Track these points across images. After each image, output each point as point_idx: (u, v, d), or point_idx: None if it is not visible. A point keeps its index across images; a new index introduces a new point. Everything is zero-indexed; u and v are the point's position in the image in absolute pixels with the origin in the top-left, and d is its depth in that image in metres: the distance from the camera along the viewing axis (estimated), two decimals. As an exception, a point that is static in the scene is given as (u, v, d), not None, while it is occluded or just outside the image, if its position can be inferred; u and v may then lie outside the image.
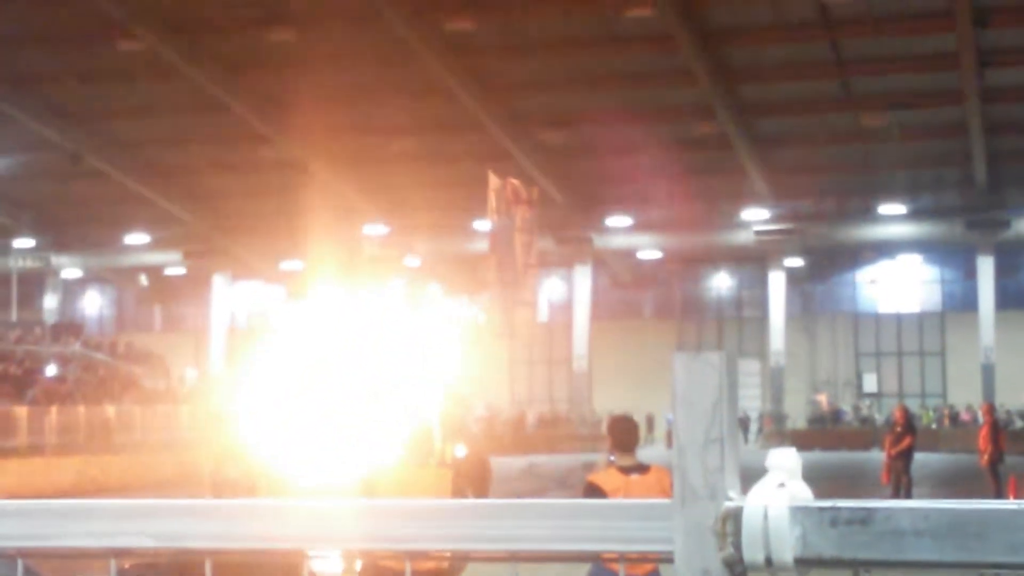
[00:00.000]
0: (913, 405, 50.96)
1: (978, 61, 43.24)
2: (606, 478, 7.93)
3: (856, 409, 58.82)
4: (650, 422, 54.80)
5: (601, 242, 58.24)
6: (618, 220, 57.53)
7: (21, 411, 35.48)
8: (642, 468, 7.92)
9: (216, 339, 64.33)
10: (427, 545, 1.54)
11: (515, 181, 38.86)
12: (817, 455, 44.99)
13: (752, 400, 59.09)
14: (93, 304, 71.59)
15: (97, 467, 34.66)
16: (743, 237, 57.14)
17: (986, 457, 23.75)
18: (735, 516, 1.35)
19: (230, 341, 63.50)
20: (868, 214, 55.88)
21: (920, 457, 26.35)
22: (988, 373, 54.15)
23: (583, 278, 60.79)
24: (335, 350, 13.62)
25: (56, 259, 63.69)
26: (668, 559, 1.39)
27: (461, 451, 14.63)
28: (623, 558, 1.50)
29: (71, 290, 69.37)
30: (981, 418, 30.26)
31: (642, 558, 1.51)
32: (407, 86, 47.37)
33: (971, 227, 53.95)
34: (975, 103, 45.88)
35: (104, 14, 43.19)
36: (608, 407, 50.32)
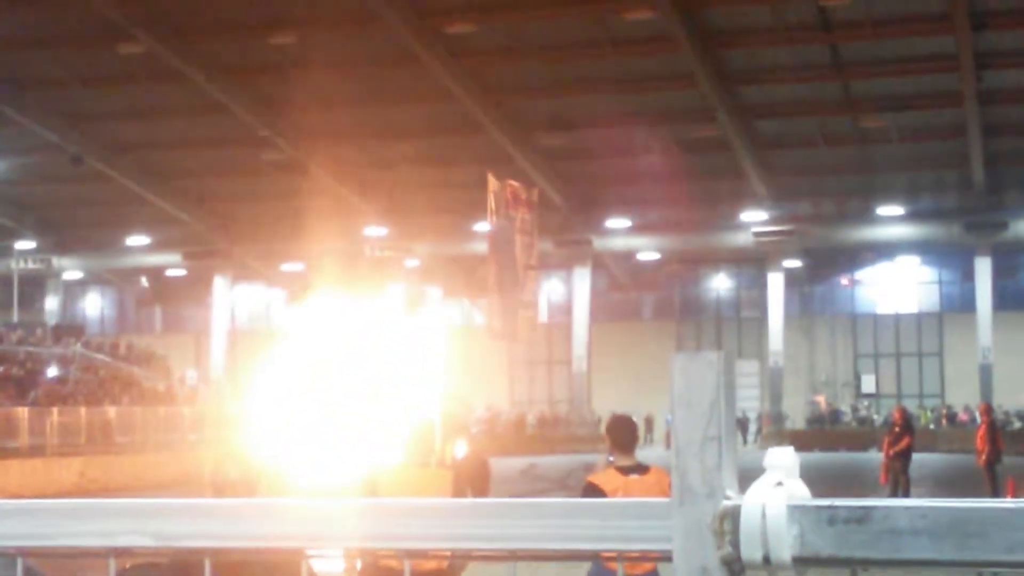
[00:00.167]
0: (911, 405, 50.97)
1: (976, 63, 43.24)
2: (605, 478, 7.92)
3: (854, 410, 58.83)
4: (649, 423, 54.81)
5: (600, 244, 58.24)
6: (617, 222, 57.53)
7: (22, 412, 35.48)
8: (641, 469, 7.91)
9: (217, 340, 64.34)
10: (427, 544, 1.55)
11: (515, 183, 38.84)
12: (816, 456, 45.00)
13: (751, 401, 59.10)
14: (94, 305, 71.62)
15: (98, 468, 34.68)
16: (742, 239, 57.15)
17: (983, 457, 23.76)
18: (733, 515, 1.35)
19: (231, 342, 63.55)
20: (867, 215, 55.87)
21: (918, 457, 26.33)
22: (986, 374, 54.15)
23: (582, 280, 60.80)
24: (335, 351, 13.63)
25: (57, 261, 63.70)
26: (667, 558, 1.39)
27: (461, 451, 14.60)
28: (622, 557, 1.50)
29: (72, 291, 69.41)
30: (979, 418, 30.26)
31: (641, 557, 1.51)
32: (408, 89, 47.38)
33: (969, 228, 53.96)
34: (973, 105, 45.88)
35: (105, 17, 43.20)
36: (607, 408, 50.14)
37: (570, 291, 62.22)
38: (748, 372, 59.60)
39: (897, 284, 61.81)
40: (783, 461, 1.39)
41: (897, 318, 61.67)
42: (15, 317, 54.92)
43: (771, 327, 58.58)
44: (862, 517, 1.32)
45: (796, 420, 57.98)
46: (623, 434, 8.11)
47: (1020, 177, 52.96)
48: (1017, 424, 51.44)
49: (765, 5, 42.19)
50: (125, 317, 71.26)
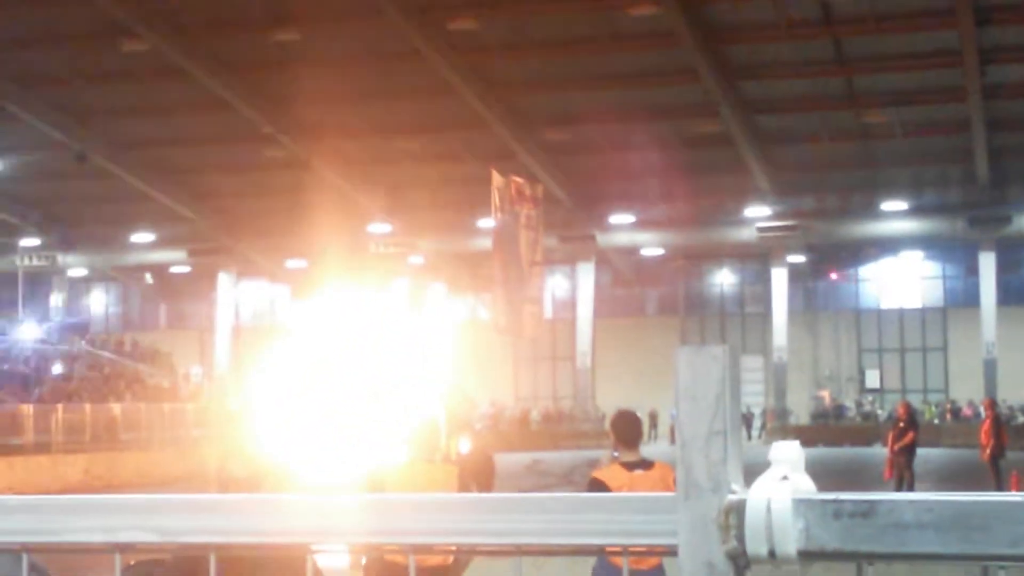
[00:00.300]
0: (915, 401, 51.04)
1: (980, 58, 43.18)
2: (610, 474, 7.92)
3: (859, 405, 58.85)
4: (653, 418, 54.81)
5: (604, 239, 58.21)
6: (621, 217, 57.49)
7: (27, 409, 35.54)
8: (646, 464, 7.92)
9: (221, 337, 64.41)
10: (432, 539, 1.55)
11: (519, 179, 38.86)
12: (820, 451, 44.99)
13: (755, 396, 59.10)
14: (99, 302, 71.71)
15: (103, 464, 34.74)
16: (746, 234, 57.11)
17: (987, 451, 23.82)
18: (738, 509, 1.35)
19: (235, 339, 63.63)
20: (870, 211, 55.82)
21: (922, 452, 26.36)
22: (990, 368, 54.13)
23: (586, 275, 60.78)
24: (340, 348, 13.65)
25: (62, 258, 63.72)
26: (672, 552, 1.39)
27: (465, 447, 14.61)
28: (627, 552, 1.50)
29: (77, 288, 69.45)
30: (983, 413, 30.28)
31: (646, 552, 1.51)
32: (411, 85, 47.35)
33: (973, 223, 53.91)
34: (977, 100, 45.82)
35: (109, 15, 43.22)
36: (611, 403, 50.11)
37: (574, 287, 62.21)
38: (752, 367, 59.59)
39: (901, 279, 61.78)
40: (788, 455, 1.39)
41: (901, 313, 61.64)
42: (20, 314, 54.99)
43: (775, 322, 58.56)
44: (867, 511, 1.32)
45: (800, 415, 57.99)
46: (627, 430, 8.11)
47: (1024, 172, 52.96)
48: (1021, 419, 51.40)
49: (767, 0, 42.16)
50: (130, 314, 71.34)
